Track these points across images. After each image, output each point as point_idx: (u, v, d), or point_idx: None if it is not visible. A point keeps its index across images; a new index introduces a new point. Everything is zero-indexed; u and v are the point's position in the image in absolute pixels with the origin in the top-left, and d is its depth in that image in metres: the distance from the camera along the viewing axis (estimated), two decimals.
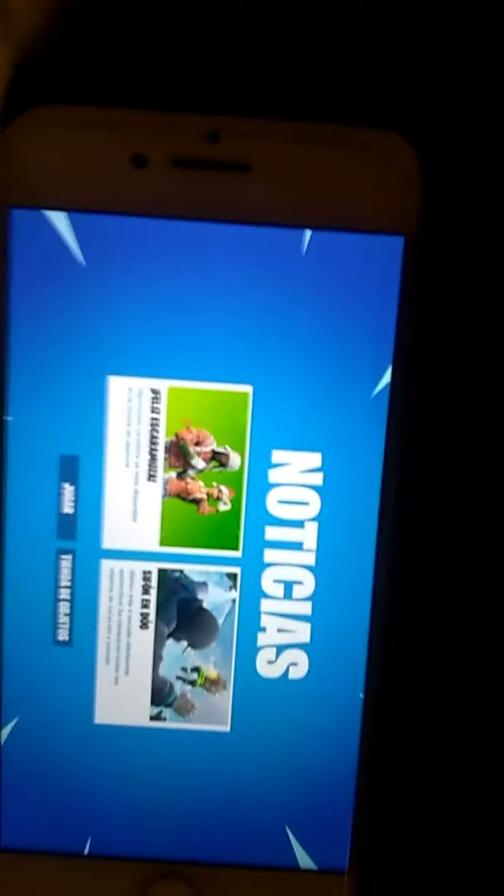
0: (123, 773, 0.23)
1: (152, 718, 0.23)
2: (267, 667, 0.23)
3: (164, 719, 0.23)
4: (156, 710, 0.23)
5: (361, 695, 0.23)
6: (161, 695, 0.23)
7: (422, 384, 0.22)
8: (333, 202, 0.21)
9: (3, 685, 0.23)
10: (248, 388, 0.22)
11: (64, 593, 0.23)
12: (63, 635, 0.23)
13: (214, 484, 0.22)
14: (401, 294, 0.22)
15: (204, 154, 0.21)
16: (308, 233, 0.21)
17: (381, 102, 0.21)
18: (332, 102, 0.21)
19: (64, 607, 0.23)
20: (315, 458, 0.22)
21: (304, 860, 0.23)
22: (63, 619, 0.23)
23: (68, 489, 0.22)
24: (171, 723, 0.23)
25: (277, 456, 0.22)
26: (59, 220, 0.21)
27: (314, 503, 0.23)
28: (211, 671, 0.23)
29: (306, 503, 0.23)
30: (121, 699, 0.23)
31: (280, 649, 0.23)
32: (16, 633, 0.23)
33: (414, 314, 0.22)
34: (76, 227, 0.21)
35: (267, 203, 0.21)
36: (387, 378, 0.22)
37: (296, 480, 0.22)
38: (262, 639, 0.23)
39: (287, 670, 0.23)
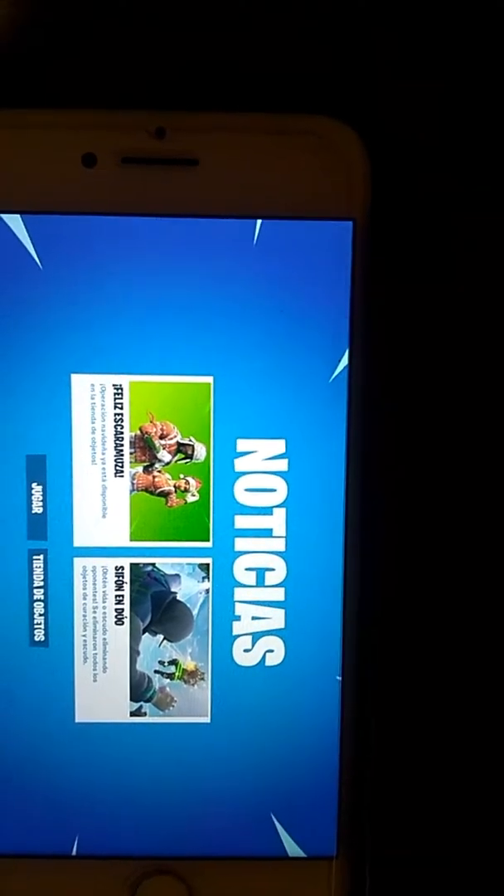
0: (107, 770, 0.23)
1: (132, 714, 0.23)
2: (243, 655, 0.23)
3: (145, 714, 0.23)
4: (135, 705, 0.23)
5: (339, 677, 0.23)
6: (140, 690, 0.23)
7: (380, 365, 0.22)
8: (281, 191, 0.22)
9: None
10: (209, 379, 0.22)
11: (38, 594, 0.23)
12: (39, 636, 0.23)
13: (181, 476, 0.23)
14: (352, 278, 0.22)
15: (152, 150, 0.22)
16: (258, 222, 0.22)
17: (325, 90, 0.22)
18: (277, 92, 0.22)
19: (39, 608, 0.23)
20: (279, 445, 0.23)
21: (293, 848, 0.23)
22: (38, 620, 0.23)
23: (37, 489, 0.22)
24: (152, 717, 0.23)
25: (242, 444, 0.23)
26: (14, 223, 0.22)
27: (281, 489, 0.23)
28: (188, 663, 0.23)
29: (273, 490, 0.23)
30: (100, 697, 0.23)
31: (256, 637, 0.23)
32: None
33: (367, 297, 0.22)
34: (31, 229, 0.22)
35: (216, 195, 0.22)
36: (344, 361, 0.22)
37: (261, 468, 0.23)
38: (237, 627, 0.23)
39: (264, 657, 0.23)
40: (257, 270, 0.22)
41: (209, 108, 0.21)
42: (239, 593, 0.23)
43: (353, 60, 0.21)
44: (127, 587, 0.23)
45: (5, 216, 0.22)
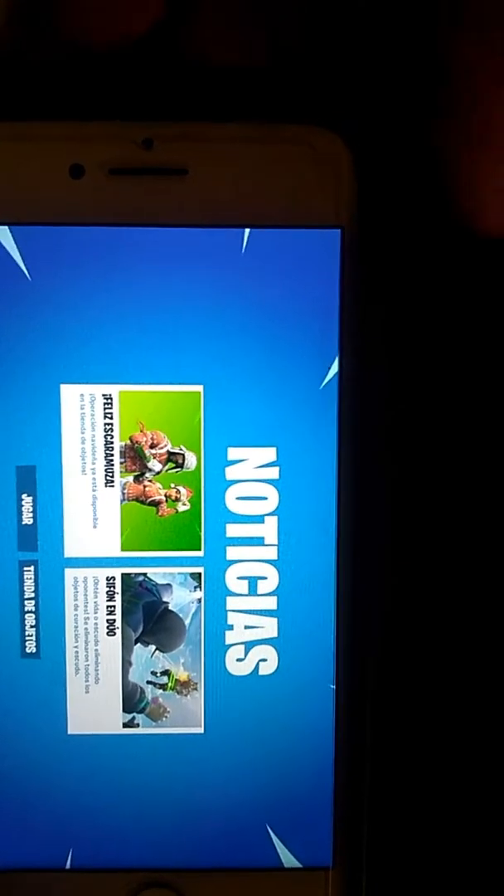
0: (100, 782, 0.23)
1: (125, 725, 0.23)
2: (236, 665, 0.23)
3: (138, 725, 0.23)
4: (128, 716, 0.23)
5: (333, 686, 0.23)
6: (133, 701, 0.23)
7: (371, 372, 0.22)
8: (269, 199, 0.22)
9: None
10: (199, 388, 0.22)
11: (29, 605, 0.23)
12: (31, 647, 0.23)
13: (172, 485, 0.23)
14: (341, 285, 0.22)
15: (140, 161, 0.22)
16: (246, 231, 0.22)
17: (312, 99, 0.22)
18: (264, 102, 0.22)
19: (30, 619, 0.23)
20: (270, 453, 0.23)
21: (288, 859, 0.23)
22: (30, 632, 0.23)
23: (27, 500, 0.22)
24: (145, 728, 0.23)
25: (233, 453, 0.23)
26: (2, 235, 0.22)
27: (272, 497, 0.23)
28: (181, 673, 0.23)
29: (265, 498, 0.23)
30: (93, 708, 0.23)
31: (249, 646, 0.23)
32: None
33: (357, 304, 0.22)
34: (19, 241, 0.22)
35: (204, 205, 0.22)
36: (334, 369, 0.22)
37: (252, 476, 0.23)
38: (229, 637, 0.23)
39: (257, 667, 0.23)
40: (246, 279, 0.22)
41: (196, 118, 0.21)
42: (231, 602, 0.23)
43: (342, 69, 0.21)
44: (118, 597, 0.23)
45: None
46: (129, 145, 0.22)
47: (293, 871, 0.23)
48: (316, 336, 0.22)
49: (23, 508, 0.22)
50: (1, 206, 0.22)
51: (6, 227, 0.22)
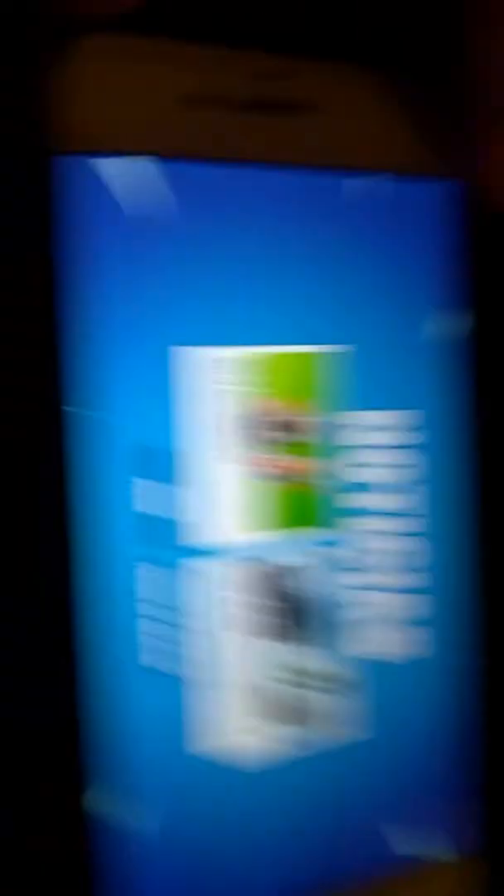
0: (243, 813, 0.20)
1: (264, 738, 0.20)
2: (381, 649, 0.21)
3: (281, 738, 0.20)
4: (268, 725, 0.20)
5: (479, 664, 0.21)
6: (272, 706, 0.20)
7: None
8: (404, 146, 0.20)
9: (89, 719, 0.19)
10: (322, 350, 0.20)
11: (148, 607, 0.19)
12: (153, 656, 0.19)
13: (295, 456, 0.20)
14: (476, 239, 0.21)
15: (271, 95, 0.19)
16: (377, 178, 0.20)
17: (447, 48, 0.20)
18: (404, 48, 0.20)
19: (150, 623, 0.19)
20: (399, 417, 0.21)
21: (437, 853, 0.21)
22: (151, 638, 0.19)
23: (143, 484, 0.19)
24: (288, 740, 0.20)
25: (357, 419, 0.20)
26: (114, 168, 0.18)
27: (405, 466, 0.21)
28: (324, 668, 0.20)
29: (396, 466, 0.21)
30: (223, 721, 0.20)
31: (391, 627, 0.21)
32: (100, 659, 0.19)
33: (491, 258, 0.21)
34: (132, 177, 0.19)
35: (337, 147, 0.20)
36: (465, 327, 0.21)
37: (381, 442, 0.21)
38: (366, 620, 0.21)
39: (406, 650, 0.21)
40: (372, 231, 0.20)
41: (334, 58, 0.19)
42: (370, 581, 0.21)
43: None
44: (247, 588, 0.20)
45: (104, 160, 0.18)
46: (260, 78, 0.19)
47: (443, 865, 0.21)
48: (448, 293, 0.21)
49: (136, 494, 0.19)
50: (112, 136, 0.18)
51: (117, 160, 0.18)
